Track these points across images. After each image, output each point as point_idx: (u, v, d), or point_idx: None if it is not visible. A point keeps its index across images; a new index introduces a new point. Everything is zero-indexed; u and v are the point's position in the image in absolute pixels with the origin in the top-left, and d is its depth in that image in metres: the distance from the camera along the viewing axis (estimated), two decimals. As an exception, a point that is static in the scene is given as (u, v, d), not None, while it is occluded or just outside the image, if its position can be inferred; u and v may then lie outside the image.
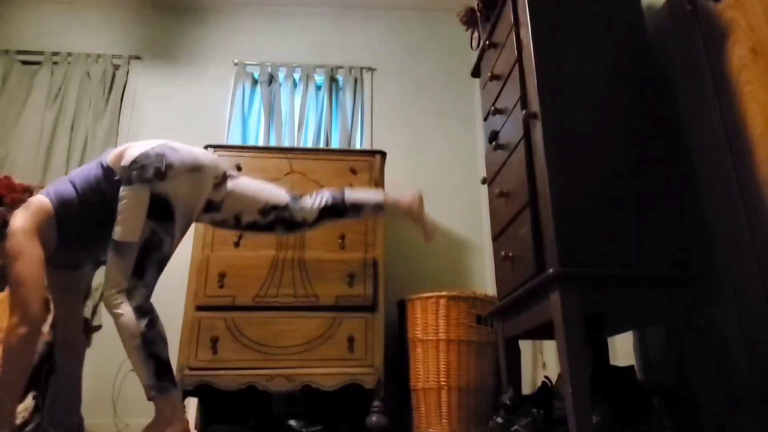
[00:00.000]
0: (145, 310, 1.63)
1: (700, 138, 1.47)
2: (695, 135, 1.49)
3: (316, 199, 2.01)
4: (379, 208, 2.10)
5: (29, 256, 1.63)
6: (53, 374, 1.92)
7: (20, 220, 1.68)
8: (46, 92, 3.43)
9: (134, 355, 1.60)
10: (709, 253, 1.42)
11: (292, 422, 2.56)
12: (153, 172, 1.68)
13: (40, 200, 1.73)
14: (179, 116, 3.53)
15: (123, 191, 1.68)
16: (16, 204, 1.95)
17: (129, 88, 3.56)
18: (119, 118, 3.47)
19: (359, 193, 2.09)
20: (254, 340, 2.48)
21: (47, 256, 1.69)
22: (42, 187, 2.26)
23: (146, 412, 2.82)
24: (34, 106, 3.38)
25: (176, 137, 3.53)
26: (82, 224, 1.75)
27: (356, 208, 2.05)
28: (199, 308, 2.52)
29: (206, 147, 2.83)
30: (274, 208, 1.95)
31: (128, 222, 1.66)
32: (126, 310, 1.61)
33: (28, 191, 2.15)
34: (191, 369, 2.41)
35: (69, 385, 1.91)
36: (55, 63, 3.52)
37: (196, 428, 2.63)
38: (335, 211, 2.02)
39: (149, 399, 1.61)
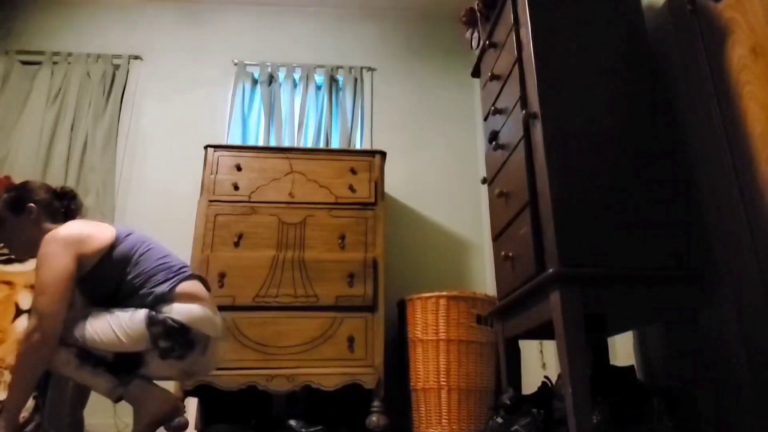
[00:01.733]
0: (63, 338, 1.61)
1: (700, 138, 1.47)
2: (695, 135, 1.49)
3: None
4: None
5: (60, 267, 1.60)
6: (53, 375, 1.92)
7: (74, 231, 1.66)
8: (46, 92, 3.43)
9: (82, 375, 1.60)
10: (709, 253, 1.42)
11: (292, 422, 2.56)
12: (165, 348, 1.64)
13: (108, 234, 1.71)
14: (179, 116, 3.53)
15: (142, 323, 1.62)
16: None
17: (129, 88, 3.56)
18: (119, 118, 3.47)
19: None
20: (254, 340, 2.48)
21: (79, 276, 1.67)
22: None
23: (146, 412, 2.81)
24: (34, 106, 3.38)
25: (176, 137, 3.55)
26: (106, 282, 1.71)
27: None
28: (199, 308, 2.51)
29: (206, 147, 2.84)
30: None
31: (112, 340, 1.61)
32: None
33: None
34: (191, 369, 2.41)
35: (76, 384, 1.91)
36: (55, 63, 3.52)
37: (196, 428, 2.62)
38: None
39: (118, 400, 1.62)
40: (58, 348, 1.59)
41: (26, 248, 1.76)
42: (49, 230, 1.70)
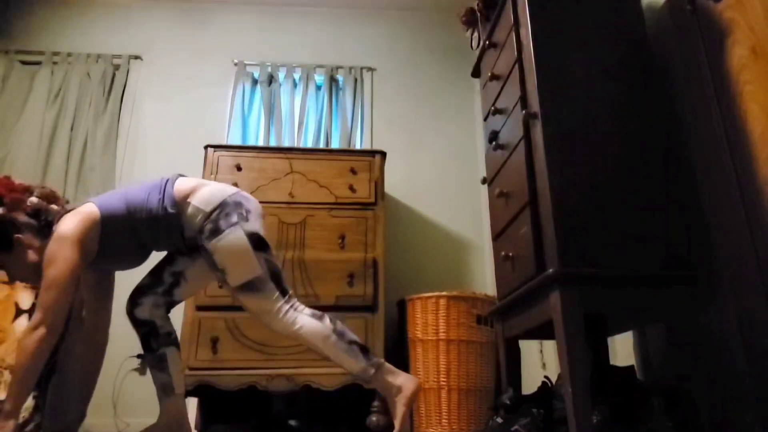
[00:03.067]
0: (318, 313, 1.76)
1: (700, 138, 1.47)
2: (695, 135, 1.49)
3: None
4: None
5: (67, 262, 1.64)
6: (54, 375, 1.92)
7: (69, 224, 1.70)
8: (46, 92, 3.43)
9: (336, 352, 1.71)
10: (708, 253, 1.42)
11: (292, 422, 2.56)
12: (237, 217, 1.76)
13: (91, 210, 1.75)
14: (179, 116, 3.53)
15: (215, 242, 1.73)
16: (15, 204, 1.94)
17: (129, 88, 3.56)
18: (119, 118, 3.47)
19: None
20: (254, 340, 2.48)
21: (87, 263, 1.73)
22: (42, 187, 2.26)
23: (146, 412, 2.83)
24: (34, 106, 3.38)
25: (176, 137, 3.55)
26: (123, 242, 1.78)
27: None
28: (200, 308, 2.52)
29: (206, 147, 2.84)
30: None
31: (242, 264, 1.72)
32: (303, 320, 1.73)
33: (28, 191, 2.15)
34: (191, 369, 2.41)
35: (83, 381, 1.92)
36: (55, 63, 3.52)
37: (196, 428, 2.63)
38: None
39: (369, 381, 1.72)
40: (316, 323, 1.73)
41: (34, 274, 1.79)
42: (45, 245, 1.74)
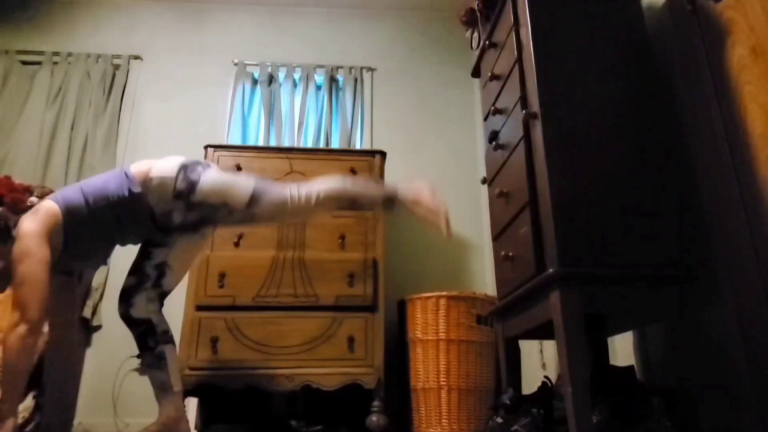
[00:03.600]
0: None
1: (700, 138, 1.47)
2: (695, 135, 1.49)
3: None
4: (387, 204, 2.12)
5: (35, 258, 1.65)
6: (52, 374, 1.92)
7: (29, 223, 1.70)
8: (46, 92, 3.43)
9: (360, 185, 1.98)
10: (708, 253, 1.42)
11: (292, 422, 2.56)
12: (202, 167, 1.87)
13: (50, 205, 1.75)
14: (179, 116, 3.53)
15: (199, 190, 1.83)
16: (16, 204, 1.94)
17: (129, 88, 3.56)
18: (119, 118, 3.47)
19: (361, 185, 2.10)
20: (254, 340, 2.48)
21: (53, 260, 1.72)
22: (42, 187, 2.26)
23: (146, 412, 2.82)
24: (34, 106, 3.38)
25: (176, 137, 3.54)
26: (88, 232, 1.79)
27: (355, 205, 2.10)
28: (199, 308, 2.51)
29: (206, 147, 2.84)
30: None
31: (236, 188, 1.88)
32: (314, 187, 1.94)
33: (28, 191, 2.15)
34: (191, 369, 2.41)
35: (66, 383, 1.91)
36: (55, 63, 3.52)
37: (196, 428, 2.62)
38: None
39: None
40: (329, 181, 1.86)
41: (5, 278, 1.78)
42: (8, 250, 1.73)
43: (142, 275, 1.87)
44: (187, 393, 2.41)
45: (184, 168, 1.85)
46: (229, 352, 2.46)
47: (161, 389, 1.83)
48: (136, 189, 1.78)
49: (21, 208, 1.86)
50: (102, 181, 1.83)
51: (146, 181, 1.81)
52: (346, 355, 2.49)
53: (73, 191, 1.81)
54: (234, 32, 3.80)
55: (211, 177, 1.85)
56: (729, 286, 1.34)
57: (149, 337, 1.84)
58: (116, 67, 3.59)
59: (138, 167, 1.86)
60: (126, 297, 1.86)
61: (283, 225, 2.69)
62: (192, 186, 1.81)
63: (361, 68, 3.72)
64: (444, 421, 2.50)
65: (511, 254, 1.62)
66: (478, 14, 2.13)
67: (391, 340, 2.82)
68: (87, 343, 2.94)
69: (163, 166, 1.85)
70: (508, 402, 1.57)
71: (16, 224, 1.76)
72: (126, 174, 1.84)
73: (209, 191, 1.82)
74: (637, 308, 1.41)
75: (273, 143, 3.43)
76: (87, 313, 2.93)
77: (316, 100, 3.62)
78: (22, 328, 1.57)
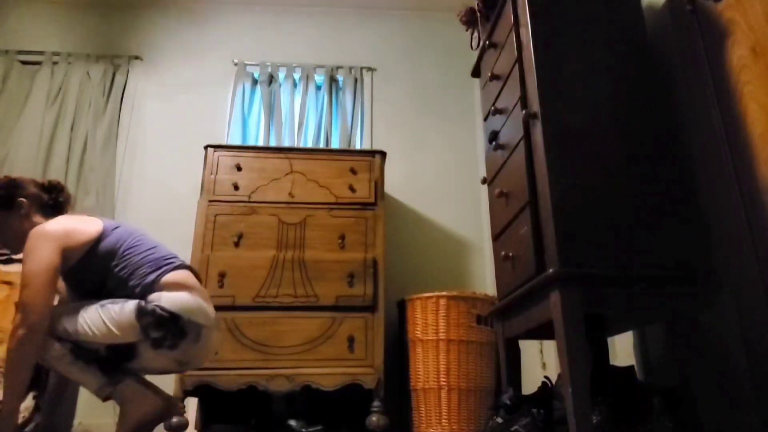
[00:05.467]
0: (56, 332, 1.61)
1: (700, 138, 1.47)
2: (695, 135, 1.49)
3: None
4: None
5: (46, 262, 1.61)
6: (52, 374, 1.92)
7: (60, 226, 1.67)
8: (46, 92, 3.42)
9: (72, 370, 1.60)
10: (709, 253, 1.42)
11: (292, 422, 2.56)
12: (157, 338, 1.63)
13: (95, 227, 1.71)
14: (179, 116, 3.53)
15: (132, 314, 1.61)
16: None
17: (129, 88, 3.56)
18: (119, 119, 3.47)
19: None
20: (254, 340, 2.48)
21: (62, 269, 1.67)
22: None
23: (146, 412, 2.81)
24: (34, 106, 3.37)
25: (176, 137, 3.55)
26: (92, 275, 1.71)
27: None
28: (199, 308, 2.51)
29: (206, 147, 2.84)
30: None
31: (103, 332, 1.60)
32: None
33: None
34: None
35: (66, 383, 1.91)
36: (55, 63, 3.52)
37: (196, 428, 2.62)
38: None
39: (107, 398, 1.61)
40: (52, 342, 1.59)
41: (19, 243, 1.76)
42: (39, 224, 1.71)
43: None
44: (187, 393, 2.42)
45: (166, 323, 1.65)
46: (229, 352, 2.46)
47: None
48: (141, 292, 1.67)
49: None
50: (144, 255, 1.73)
51: (156, 288, 1.68)
52: (346, 355, 2.49)
53: (121, 238, 1.73)
54: (234, 32, 3.80)
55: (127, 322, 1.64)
56: (729, 286, 1.34)
57: None
58: (116, 67, 3.59)
59: (170, 279, 1.71)
60: None
61: (282, 225, 2.69)
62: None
63: (361, 68, 3.72)
64: (444, 421, 2.50)
65: (511, 254, 1.62)
66: (478, 14, 2.13)
67: (391, 340, 2.82)
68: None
69: (172, 298, 1.68)
70: (508, 402, 1.57)
71: (66, 208, 1.74)
72: (158, 278, 1.69)
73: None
74: (638, 308, 1.41)
75: (273, 143, 3.43)
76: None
77: (316, 100, 3.62)
78: (22, 331, 1.55)
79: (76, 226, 1.71)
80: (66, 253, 1.66)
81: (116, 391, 1.60)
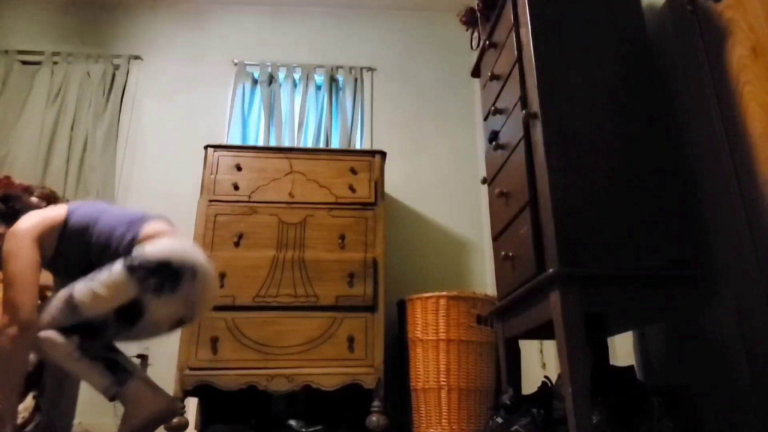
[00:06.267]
0: (58, 323, 1.60)
1: (700, 138, 1.47)
2: (695, 135, 1.49)
3: None
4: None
5: (25, 260, 1.62)
6: (51, 374, 1.92)
7: (29, 221, 1.68)
8: (46, 92, 3.43)
9: (79, 367, 1.59)
10: (709, 253, 1.42)
11: (292, 422, 2.56)
12: (155, 285, 1.62)
13: (58, 212, 1.72)
14: (179, 116, 3.53)
15: (121, 273, 1.61)
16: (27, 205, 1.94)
17: (129, 88, 3.56)
18: (119, 118, 3.47)
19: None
20: (254, 340, 2.48)
21: (42, 264, 1.68)
22: (42, 187, 2.26)
23: (146, 412, 2.81)
24: (34, 106, 3.38)
25: (176, 137, 3.55)
26: (74, 255, 1.72)
27: None
28: (199, 308, 2.51)
29: (206, 147, 2.84)
30: None
31: (99, 298, 1.60)
32: (49, 334, 1.58)
33: (28, 191, 2.15)
34: (191, 369, 2.41)
35: (66, 383, 1.91)
36: (55, 63, 3.52)
37: (196, 428, 2.63)
38: None
39: (113, 399, 1.60)
40: (59, 338, 1.59)
41: None
42: (2, 233, 1.72)
43: None
44: (187, 393, 2.42)
45: (156, 271, 1.64)
46: (229, 352, 2.46)
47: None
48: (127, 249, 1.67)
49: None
50: (116, 216, 1.74)
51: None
52: (346, 355, 2.49)
53: (89, 210, 1.75)
54: (234, 32, 3.80)
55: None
56: (729, 286, 1.34)
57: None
58: (116, 67, 3.59)
59: (148, 229, 1.72)
60: None
61: (282, 225, 2.69)
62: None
63: (361, 68, 3.72)
64: (444, 421, 2.50)
65: (511, 254, 1.62)
66: (478, 14, 2.13)
67: (391, 340, 2.82)
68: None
69: (156, 246, 1.68)
70: (508, 402, 1.57)
71: (25, 211, 1.75)
72: (136, 235, 1.70)
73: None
74: (637, 308, 1.41)
75: (273, 143, 3.43)
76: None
77: (316, 100, 3.62)
78: (12, 331, 1.54)
79: (43, 215, 1.72)
80: (42, 243, 1.67)
81: (122, 390, 1.60)
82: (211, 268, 1.77)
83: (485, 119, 2.00)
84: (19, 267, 1.61)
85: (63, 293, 1.64)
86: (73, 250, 1.72)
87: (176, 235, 1.76)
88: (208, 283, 1.75)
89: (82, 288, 1.62)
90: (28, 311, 1.58)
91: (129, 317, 1.65)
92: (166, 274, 1.64)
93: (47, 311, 1.61)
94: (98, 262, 1.69)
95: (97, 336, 1.63)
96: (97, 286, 1.61)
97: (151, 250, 1.66)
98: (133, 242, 1.69)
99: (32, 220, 1.69)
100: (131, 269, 1.62)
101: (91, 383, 1.62)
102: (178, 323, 1.80)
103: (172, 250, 1.68)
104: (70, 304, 1.60)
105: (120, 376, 1.61)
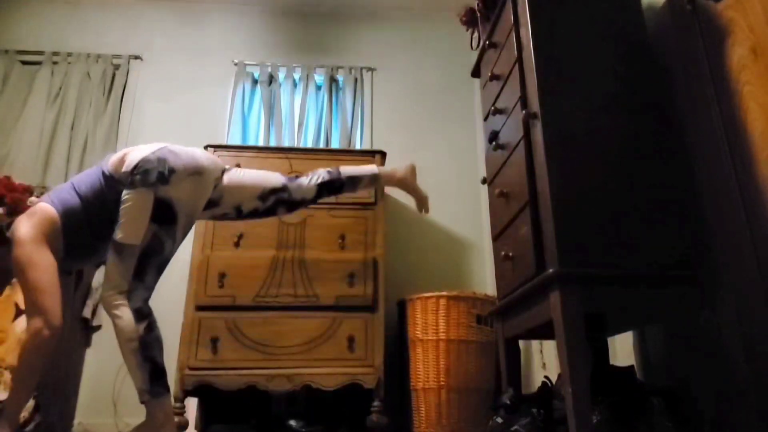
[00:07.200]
0: (143, 314, 1.64)
1: (700, 138, 1.47)
2: (695, 135, 1.49)
3: (313, 177, 2.04)
4: (374, 179, 2.14)
5: (43, 264, 1.63)
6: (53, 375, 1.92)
7: (26, 228, 1.67)
8: (46, 92, 3.43)
9: (130, 357, 1.61)
10: (709, 253, 1.42)
11: (292, 422, 2.57)
12: (156, 177, 1.69)
13: (45, 209, 1.72)
14: (179, 116, 3.53)
15: (126, 194, 1.68)
16: (16, 204, 1.94)
17: (129, 88, 3.56)
18: (119, 118, 3.47)
19: (354, 168, 2.13)
20: (254, 340, 2.48)
21: (60, 264, 1.69)
22: (43, 187, 2.26)
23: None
24: (34, 106, 3.38)
25: (176, 137, 3.54)
26: (86, 232, 1.75)
27: (352, 181, 2.09)
28: (199, 308, 2.52)
29: (206, 147, 2.84)
30: (273, 191, 1.97)
31: (131, 225, 1.66)
32: (124, 312, 1.62)
33: (29, 191, 2.15)
34: (191, 369, 2.41)
35: (66, 383, 1.91)
36: (55, 63, 3.52)
37: (196, 428, 2.63)
38: (332, 185, 2.06)
39: (142, 402, 1.62)
40: (131, 322, 1.62)
41: None
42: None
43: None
44: (187, 393, 2.42)
45: (143, 163, 1.73)
46: (229, 352, 2.46)
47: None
48: (109, 175, 1.73)
49: (20, 209, 1.85)
50: (86, 175, 1.78)
51: (119, 173, 1.73)
52: (346, 355, 2.49)
53: (65, 190, 1.76)
54: (234, 32, 3.80)
55: (141, 198, 1.70)
56: (729, 286, 1.34)
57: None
58: (116, 67, 3.59)
59: (114, 157, 1.78)
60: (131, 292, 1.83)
61: (282, 225, 2.69)
62: (130, 185, 1.70)
63: (361, 68, 3.72)
64: (444, 421, 2.50)
65: (511, 254, 1.62)
66: (478, 14, 2.13)
67: (391, 340, 2.82)
68: (87, 343, 2.94)
69: (131, 156, 1.75)
70: (508, 402, 1.57)
71: (9, 226, 1.75)
72: (104, 163, 1.77)
73: (126, 202, 1.69)
74: (637, 308, 1.41)
75: (273, 143, 3.43)
76: (87, 313, 2.93)
77: (316, 100, 3.62)
78: (46, 332, 1.57)
79: (36, 221, 1.71)
80: (52, 246, 1.68)
81: (151, 402, 1.62)
82: (186, 149, 1.83)
83: (485, 119, 2.00)
84: (40, 273, 1.62)
85: (108, 254, 1.67)
86: (80, 228, 1.73)
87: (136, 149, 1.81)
88: (194, 155, 1.81)
89: (116, 232, 1.66)
90: (58, 315, 1.61)
91: (167, 218, 1.70)
92: (154, 165, 1.70)
93: (110, 281, 1.64)
94: (106, 219, 1.72)
95: (162, 252, 1.70)
96: (123, 219, 1.66)
97: (129, 160, 1.72)
98: (110, 176, 1.72)
99: (30, 223, 1.68)
100: (130, 184, 1.68)
101: (133, 378, 1.65)
102: (210, 204, 1.90)
103: (143, 149, 1.75)
104: (118, 249, 1.65)
105: (157, 388, 1.63)
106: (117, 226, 1.67)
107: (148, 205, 1.68)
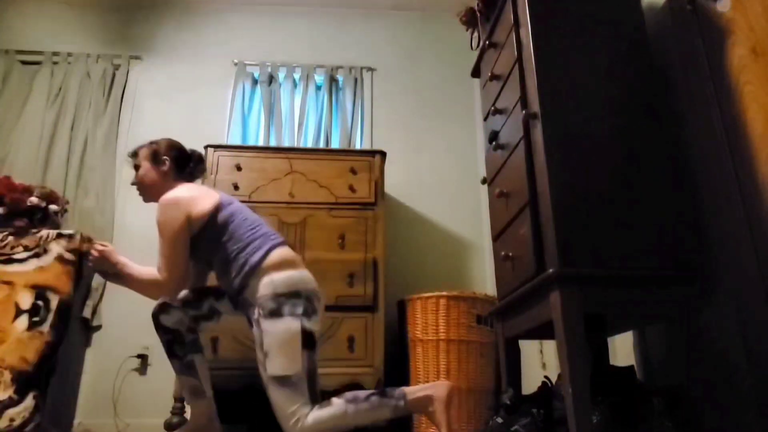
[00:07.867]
0: (315, 397, 1.68)
1: (700, 138, 1.47)
2: (695, 135, 1.49)
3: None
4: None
5: (177, 225, 1.79)
6: (53, 375, 1.92)
7: (184, 192, 1.84)
8: (46, 92, 3.43)
9: (364, 419, 1.67)
10: (708, 253, 1.42)
11: (292, 422, 2.56)
12: (303, 310, 1.74)
13: (216, 196, 1.88)
14: (179, 116, 3.53)
15: (271, 323, 1.71)
16: (16, 204, 1.94)
17: (129, 88, 3.56)
18: (119, 118, 3.47)
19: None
20: (254, 340, 2.48)
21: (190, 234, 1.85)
22: (43, 187, 2.26)
23: (147, 412, 2.82)
24: (34, 106, 3.38)
25: (176, 137, 3.53)
26: (205, 244, 1.85)
27: None
28: (199, 308, 2.51)
29: (206, 147, 2.84)
30: None
31: (286, 357, 1.68)
32: (314, 415, 1.63)
33: (28, 191, 2.15)
34: (191, 369, 2.41)
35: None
36: (55, 63, 3.52)
37: (196, 428, 2.62)
38: None
39: (408, 412, 1.71)
40: (328, 411, 1.64)
41: (150, 192, 2.02)
42: (171, 186, 1.94)
43: (198, 302, 1.94)
44: (187, 393, 2.41)
45: (294, 295, 1.78)
46: (229, 352, 2.45)
47: (193, 394, 1.91)
48: (249, 268, 1.79)
49: (21, 209, 1.86)
50: (250, 233, 1.84)
51: (262, 269, 1.79)
52: (346, 355, 2.49)
53: (236, 208, 1.89)
54: (234, 32, 3.80)
55: (292, 329, 1.73)
56: (729, 286, 1.34)
57: (176, 345, 1.91)
58: (116, 67, 3.59)
59: (274, 257, 1.81)
60: (168, 304, 1.90)
61: (282, 225, 2.69)
62: (272, 314, 1.74)
63: (361, 68, 3.72)
64: (444, 421, 2.49)
65: (511, 254, 1.62)
66: (478, 14, 2.13)
67: (391, 340, 2.82)
68: (87, 343, 2.94)
69: (285, 276, 1.79)
70: (508, 402, 1.57)
71: (175, 159, 2.05)
72: (263, 257, 1.80)
73: (274, 334, 1.72)
74: (637, 308, 1.41)
75: (273, 143, 3.43)
76: (87, 313, 2.93)
77: (316, 100, 3.62)
78: (164, 275, 1.78)
79: (199, 194, 1.87)
80: (190, 221, 1.81)
81: (408, 401, 1.70)
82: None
83: (485, 119, 2.00)
84: (176, 232, 1.79)
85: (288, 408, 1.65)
86: (208, 242, 1.85)
87: (299, 264, 1.88)
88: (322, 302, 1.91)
89: (271, 367, 1.68)
90: (180, 270, 1.80)
91: (312, 345, 1.74)
92: (302, 299, 1.77)
93: (289, 409, 1.64)
94: (221, 264, 1.84)
95: (315, 374, 1.73)
96: (279, 350, 1.69)
97: (280, 282, 1.77)
98: (261, 264, 1.78)
99: (190, 195, 1.84)
100: (277, 310, 1.72)
101: (380, 418, 1.70)
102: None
103: (298, 279, 1.82)
104: (288, 384, 1.65)
105: (393, 393, 1.71)
106: (271, 359, 1.70)
107: (298, 334, 1.74)
